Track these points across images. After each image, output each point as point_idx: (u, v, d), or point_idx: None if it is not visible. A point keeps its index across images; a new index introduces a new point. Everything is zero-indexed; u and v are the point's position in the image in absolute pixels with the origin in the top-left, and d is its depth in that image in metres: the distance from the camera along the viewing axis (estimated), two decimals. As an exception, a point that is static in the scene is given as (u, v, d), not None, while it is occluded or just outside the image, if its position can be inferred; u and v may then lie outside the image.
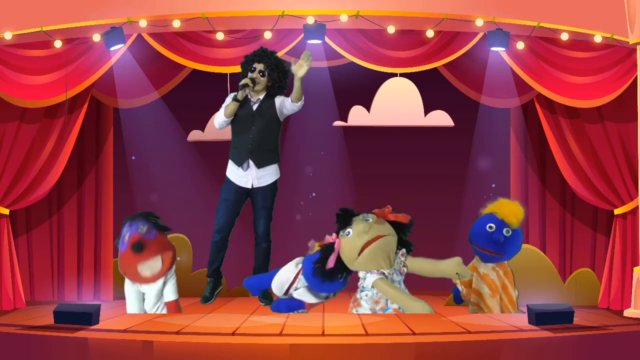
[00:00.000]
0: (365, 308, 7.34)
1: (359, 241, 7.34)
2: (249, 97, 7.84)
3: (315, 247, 7.54)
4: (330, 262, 7.34)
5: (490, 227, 7.74)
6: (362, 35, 8.37)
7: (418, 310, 7.20)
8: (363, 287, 7.40)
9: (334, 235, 7.47)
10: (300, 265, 7.55)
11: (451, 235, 9.76)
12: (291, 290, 7.53)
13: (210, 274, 8.04)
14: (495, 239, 7.68)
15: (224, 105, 7.87)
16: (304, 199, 10.78)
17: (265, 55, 7.83)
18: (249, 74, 7.81)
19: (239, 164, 7.84)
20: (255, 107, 7.84)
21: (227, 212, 7.90)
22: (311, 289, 7.49)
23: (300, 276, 7.53)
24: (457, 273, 7.46)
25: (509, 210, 7.79)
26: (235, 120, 7.83)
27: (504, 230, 7.71)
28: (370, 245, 7.32)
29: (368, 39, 8.38)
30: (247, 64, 7.85)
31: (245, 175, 7.85)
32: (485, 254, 7.77)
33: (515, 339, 6.20)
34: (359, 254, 7.33)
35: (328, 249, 7.41)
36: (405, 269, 7.48)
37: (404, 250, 7.49)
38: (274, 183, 7.94)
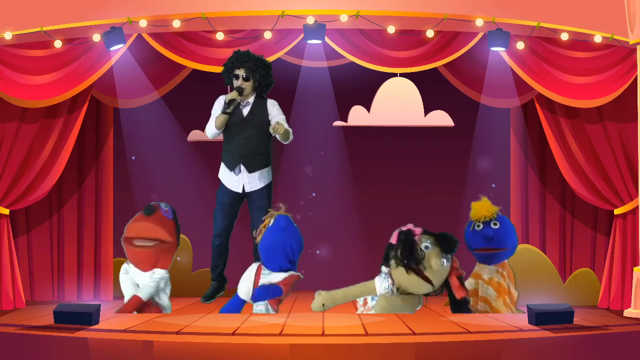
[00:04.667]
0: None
1: (422, 264, 7.29)
2: (239, 102, 7.81)
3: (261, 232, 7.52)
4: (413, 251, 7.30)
5: (478, 226, 7.76)
6: (362, 35, 8.37)
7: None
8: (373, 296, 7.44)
9: (420, 229, 7.39)
10: (257, 263, 7.56)
11: (451, 236, 9.77)
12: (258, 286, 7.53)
13: (215, 277, 8.05)
14: (485, 235, 7.71)
15: (213, 115, 7.84)
16: (304, 199, 10.78)
17: (242, 58, 7.78)
18: (234, 82, 7.78)
19: (231, 168, 7.84)
20: (245, 112, 7.83)
21: (224, 216, 7.90)
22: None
23: (263, 272, 7.52)
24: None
25: (478, 208, 7.83)
26: (227, 126, 7.81)
27: (492, 224, 7.72)
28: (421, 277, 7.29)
29: (368, 39, 8.38)
30: (228, 72, 7.81)
31: (237, 180, 7.85)
32: (485, 254, 7.77)
33: (515, 339, 6.20)
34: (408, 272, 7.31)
35: (409, 236, 7.35)
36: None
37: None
38: (269, 185, 7.93)
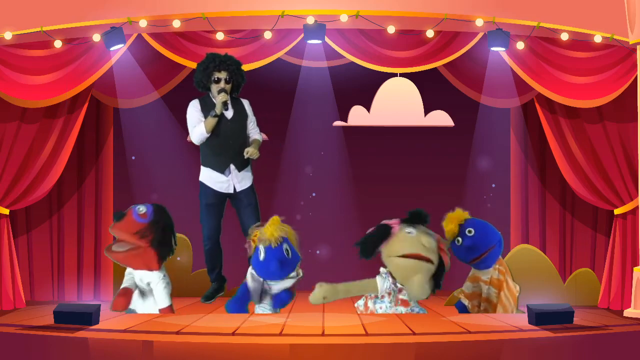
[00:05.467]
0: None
1: (413, 247, 7.27)
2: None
3: (252, 246, 7.47)
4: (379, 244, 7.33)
5: (458, 241, 7.73)
6: (362, 35, 8.37)
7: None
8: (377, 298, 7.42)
9: (396, 220, 7.41)
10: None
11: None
12: (267, 290, 7.49)
13: (214, 279, 8.04)
14: (467, 246, 7.67)
15: (195, 122, 7.77)
16: (304, 199, 10.78)
17: (225, 62, 7.77)
18: (214, 85, 7.76)
19: (222, 170, 7.83)
20: (229, 114, 7.83)
21: (213, 217, 7.89)
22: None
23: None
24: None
25: (445, 226, 7.76)
26: (212, 131, 7.80)
27: (467, 232, 7.69)
28: (417, 258, 7.26)
29: (368, 39, 8.38)
30: (208, 75, 7.78)
31: (226, 181, 7.84)
32: (479, 262, 7.74)
33: (515, 339, 6.19)
34: (403, 256, 7.28)
35: (384, 229, 7.36)
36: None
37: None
38: (253, 183, 7.95)
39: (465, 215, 7.80)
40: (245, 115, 7.90)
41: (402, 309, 7.34)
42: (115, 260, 7.74)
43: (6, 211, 8.49)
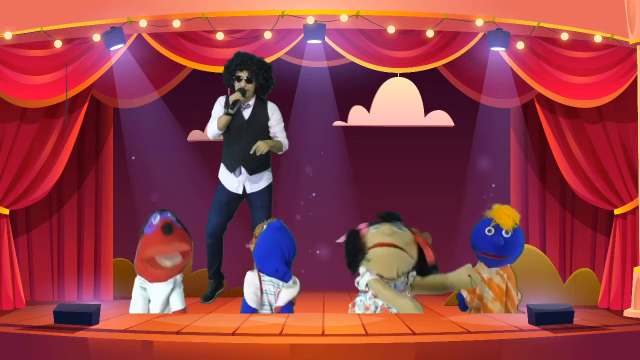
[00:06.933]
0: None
1: (376, 238, 7.28)
2: (241, 104, 7.81)
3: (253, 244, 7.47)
4: (357, 251, 7.35)
5: (489, 231, 7.69)
6: (362, 35, 8.37)
7: (409, 310, 7.16)
8: (359, 290, 7.37)
9: (364, 224, 7.43)
10: (255, 270, 7.45)
11: (451, 235, 9.78)
12: (265, 296, 7.42)
13: (212, 276, 8.05)
14: (495, 242, 7.62)
15: (214, 116, 7.83)
16: (304, 199, 10.79)
17: (246, 61, 7.75)
18: (236, 84, 7.77)
19: (232, 170, 7.83)
20: (247, 115, 7.82)
21: (218, 214, 7.88)
22: (284, 280, 7.41)
23: (263, 278, 7.46)
24: (469, 275, 7.40)
25: (502, 213, 7.72)
26: (228, 128, 7.80)
27: (503, 232, 7.67)
28: (383, 246, 7.27)
29: (368, 39, 8.38)
30: (230, 74, 7.79)
31: (237, 181, 7.84)
32: (488, 259, 7.71)
33: (515, 339, 6.19)
34: (374, 246, 7.28)
35: (353, 234, 7.38)
36: (407, 292, 7.42)
37: (415, 272, 7.42)
38: (269, 185, 7.93)
39: (518, 218, 7.76)
40: (265, 119, 7.84)
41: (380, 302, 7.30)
42: (171, 276, 7.47)
43: (6, 211, 8.49)
